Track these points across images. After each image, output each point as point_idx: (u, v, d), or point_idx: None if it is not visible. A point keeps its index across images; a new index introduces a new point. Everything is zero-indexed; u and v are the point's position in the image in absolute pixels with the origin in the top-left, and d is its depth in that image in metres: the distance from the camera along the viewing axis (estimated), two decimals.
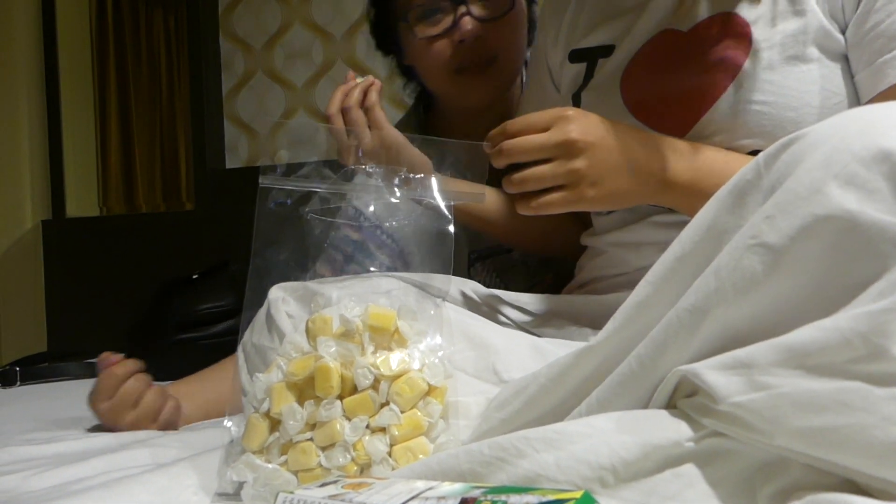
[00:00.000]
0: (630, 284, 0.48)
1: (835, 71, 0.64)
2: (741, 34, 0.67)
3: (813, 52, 0.64)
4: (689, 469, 0.40)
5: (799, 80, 0.64)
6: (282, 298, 0.62)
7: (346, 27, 1.87)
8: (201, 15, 1.93)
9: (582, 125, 0.61)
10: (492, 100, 0.96)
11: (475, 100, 0.97)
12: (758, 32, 0.66)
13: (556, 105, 0.82)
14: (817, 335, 0.36)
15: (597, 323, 0.66)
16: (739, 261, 0.39)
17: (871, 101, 0.63)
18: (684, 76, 0.69)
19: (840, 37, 0.64)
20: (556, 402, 0.48)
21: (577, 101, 0.76)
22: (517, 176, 0.62)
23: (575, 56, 0.79)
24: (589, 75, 0.76)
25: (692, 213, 0.46)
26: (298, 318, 0.59)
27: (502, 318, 0.73)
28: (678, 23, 0.71)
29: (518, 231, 0.86)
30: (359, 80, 0.81)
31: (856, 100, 0.65)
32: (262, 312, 0.63)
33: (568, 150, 0.61)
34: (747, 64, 0.65)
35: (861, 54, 0.63)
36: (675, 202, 0.65)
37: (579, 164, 0.61)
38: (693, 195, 0.63)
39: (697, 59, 0.68)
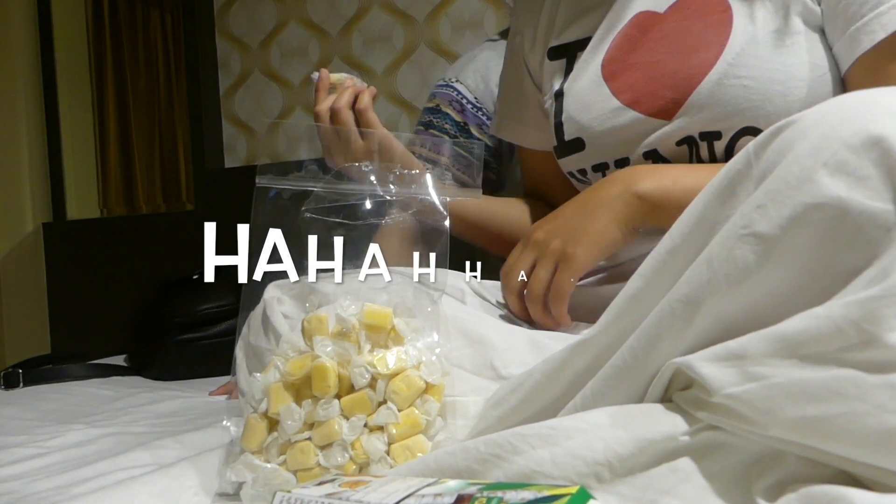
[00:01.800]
0: (621, 276, 0.49)
1: (816, 43, 0.65)
2: (721, 10, 0.67)
3: (796, 23, 0.65)
4: (685, 463, 0.40)
5: (784, 53, 0.64)
6: (277, 298, 0.62)
7: (341, 24, 1.87)
8: (197, 14, 1.93)
9: (537, 227, 0.67)
10: None
11: None
12: (737, 9, 0.67)
13: (539, 106, 0.83)
14: (809, 324, 0.36)
15: (591, 315, 0.66)
16: (731, 251, 0.39)
17: (850, 69, 0.64)
18: (668, 57, 0.69)
19: (817, 9, 0.65)
20: (552, 397, 0.48)
21: (560, 96, 0.76)
22: (527, 294, 0.66)
23: (553, 53, 0.79)
24: (570, 69, 0.76)
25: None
26: (295, 318, 0.59)
27: (499, 310, 0.73)
28: (653, 4, 0.72)
29: (509, 238, 0.85)
30: (340, 76, 0.80)
31: (837, 71, 0.66)
32: (257, 312, 0.63)
33: (539, 247, 0.65)
34: (731, 41, 0.66)
35: (836, 24, 0.64)
36: (660, 217, 0.64)
37: (553, 244, 0.64)
38: (674, 208, 0.63)
39: (680, 39, 0.69)
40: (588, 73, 0.74)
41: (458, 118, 1.10)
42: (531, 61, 0.83)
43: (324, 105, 0.78)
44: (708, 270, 0.40)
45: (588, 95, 0.73)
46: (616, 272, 0.73)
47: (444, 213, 0.61)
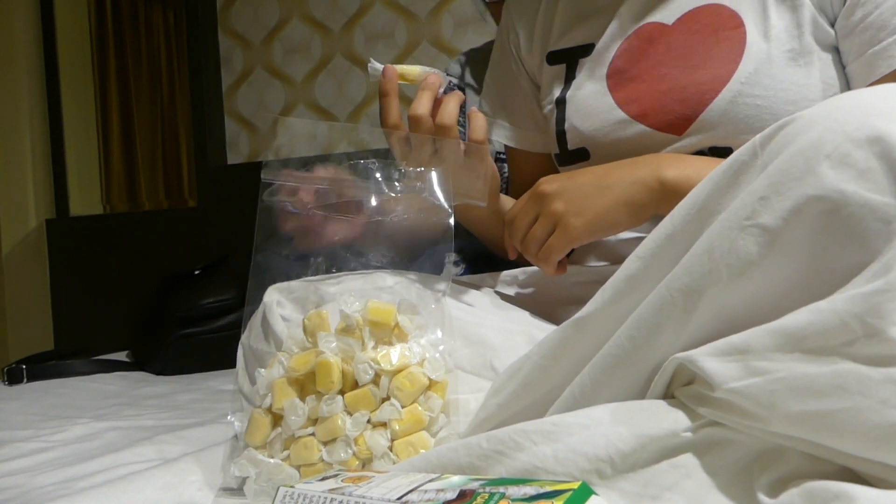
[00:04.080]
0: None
1: (828, 63, 0.64)
2: (733, 26, 0.66)
3: (809, 44, 0.64)
4: (687, 459, 0.40)
5: (797, 73, 0.64)
6: (276, 301, 0.61)
7: (344, 21, 1.87)
8: (200, 11, 1.93)
9: (548, 179, 0.65)
10: None
11: None
12: (751, 26, 0.66)
13: (538, 108, 0.82)
14: (813, 318, 0.37)
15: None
16: (734, 242, 0.39)
17: None
18: (677, 71, 0.68)
19: (830, 29, 0.65)
20: (552, 382, 0.48)
21: (562, 104, 0.74)
22: (521, 247, 0.66)
23: (553, 58, 0.77)
24: (571, 76, 0.75)
25: None
26: (295, 322, 0.59)
27: (498, 294, 0.72)
28: (660, 16, 0.71)
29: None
30: (415, 72, 0.64)
31: (848, 90, 0.65)
32: (257, 315, 0.62)
33: (542, 201, 0.64)
34: (745, 58, 0.65)
35: (851, 46, 0.63)
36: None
37: (556, 205, 0.63)
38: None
39: (688, 53, 0.68)
40: (591, 83, 0.72)
41: None
42: (529, 63, 0.81)
43: (395, 115, 0.63)
44: (709, 261, 0.40)
45: (592, 105, 0.72)
46: (606, 270, 0.72)
47: (449, 210, 0.61)
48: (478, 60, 1.14)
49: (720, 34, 0.67)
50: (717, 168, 0.43)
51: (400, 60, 1.81)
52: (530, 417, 0.47)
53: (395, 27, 1.82)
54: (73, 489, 0.59)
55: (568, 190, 0.63)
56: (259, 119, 1.94)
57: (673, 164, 0.62)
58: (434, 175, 0.62)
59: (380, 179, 0.62)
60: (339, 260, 0.64)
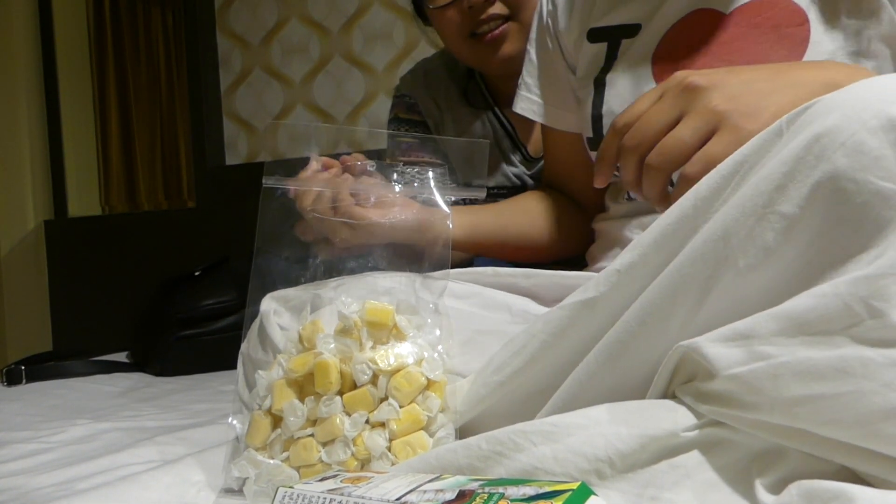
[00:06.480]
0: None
1: (887, 61, 0.60)
2: (798, 23, 0.61)
3: (879, 48, 0.59)
4: (686, 459, 0.40)
5: None
6: (273, 310, 0.61)
7: (342, 21, 1.87)
8: (198, 12, 1.93)
9: (691, 72, 0.50)
10: (515, 62, 0.88)
11: (496, 64, 0.95)
12: (816, 25, 0.61)
13: (571, 88, 0.76)
14: (817, 302, 0.36)
15: None
16: (752, 229, 0.39)
17: None
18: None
19: None
20: (558, 362, 0.47)
21: (600, 85, 0.70)
22: (654, 154, 0.49)
23: (594, 35, 0.72)
24: (612, 56, 0.70)
25: None
26: (292, 330, 0.58)
27: (495, 296, 0.71)
28: (715, 2, 0.65)
29: (530, 246, 0.81)
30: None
31: None
32: (255, 325, 0.62)
33: (691, 95, 0.48)
34: (805, 59, 0.60)
35: None
36: None
37: (715, 101, 0.48)
38: None
39: (745, 49, 0.63)
40: (635, 68, 0.67)
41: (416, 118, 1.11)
42: (565, 38, 0.76)
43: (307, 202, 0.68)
44: (725, 248, 0.40)
45: (634, 91, 0.67)
46: None
47: (448, 211, 0.61)
48: (429, 71, 1.11)
49: (782, 30, 0.61)
50: (740, 149, 0.42)
51: (398, 61, 1.81)
52: (526, 397, 0.47)
53: (394, 27, 1.82)
54: (73, 490, 0.59)
55: (729, 85, 0.48)
56: (258, 119, 1.94)
57: (864, 75, 0.50)
58: (432, 176, 0.62)
59: (380, 182, 0.63)
60: (339, 261, 0.64)
